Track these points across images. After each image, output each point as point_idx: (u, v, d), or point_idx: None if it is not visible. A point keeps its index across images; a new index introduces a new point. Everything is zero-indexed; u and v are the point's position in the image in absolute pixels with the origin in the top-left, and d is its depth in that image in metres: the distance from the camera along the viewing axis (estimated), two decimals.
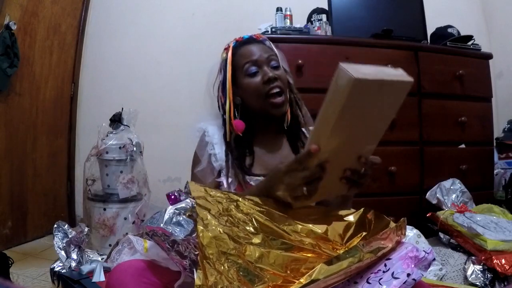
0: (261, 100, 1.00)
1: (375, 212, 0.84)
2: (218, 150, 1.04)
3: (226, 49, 1.08)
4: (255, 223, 0.73)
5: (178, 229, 0.72)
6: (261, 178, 0.99)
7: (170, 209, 0.76)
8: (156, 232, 0.73)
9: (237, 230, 0.70)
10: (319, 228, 0.77)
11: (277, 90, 1.00)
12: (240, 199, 0.77)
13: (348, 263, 0.68)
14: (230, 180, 1.01)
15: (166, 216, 0.75)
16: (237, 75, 1.03)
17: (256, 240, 0.70)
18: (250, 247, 0.69)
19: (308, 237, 0.75)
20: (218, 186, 1.03)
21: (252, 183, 1.00)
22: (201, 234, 0.66)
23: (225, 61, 1.06)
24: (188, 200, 0.79)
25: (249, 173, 1.02)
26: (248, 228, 0.72)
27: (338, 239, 0.78)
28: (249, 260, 0.67)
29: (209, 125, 1.08)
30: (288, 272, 0.69)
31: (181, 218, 0.74)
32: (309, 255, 0.72)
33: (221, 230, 0.69)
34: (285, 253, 0.70)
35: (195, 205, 0.72)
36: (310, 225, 0.77)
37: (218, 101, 1.09)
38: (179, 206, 0.77)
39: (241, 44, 1.06)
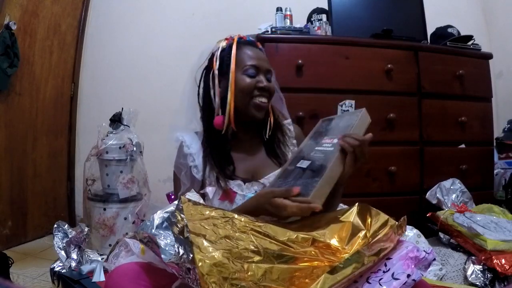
0: (246, 98, 1.02)
1: (370, 207, 0.84)
2: (198, 161, 1.04)
3: (228, 39, 1.08)
4: (254, 240, 0.72)
5: (166, 242, 0.71)
6: (242, 183, 1.01)
7: (160, 214, 0.76)
8: (151, 239, 0.73)
9: (237, 251, 0.69)
10: (318, 235, 0.77)
11: (264, 99, 1.03)
12: (236, 215, 0.76)
13: (352, 269, 0.67)
14: (213, 189, 1.00)
15: (157, 221, 0.74)
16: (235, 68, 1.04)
17: (257, 257, 0.69)
18: (252, 266, 0.67)
19: (309, 246, 0.74)
20: (203, 197, 1.01)
21: (235, 188, 1.01)
22: (200, 264, 0.64)
23: (225, 50, 1.05)
24: (176, 202, 0.78)
25: (231, 177, 1.02)
26: (247, 246, 0.70)
27: (338, 242, 0.77)
28: (252, 280, 0.66)
29: (185, 134, 1.08)
30: (293, 286, 0.68)
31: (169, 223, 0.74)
32: (312, 264, 0.71)
33: (219, 255, 0.67)
34: (288, 266, 0.69)
35: (187, 224, 0.70)
36: (310, 233, 0.77)
37: (199, 89, 1.09)
38: (167, 210, 0.77)
39: (246, 43, 1.08)
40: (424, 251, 0.75)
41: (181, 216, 0.73)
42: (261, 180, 1.03)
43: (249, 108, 1.02)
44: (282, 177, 0.94)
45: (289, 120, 1.17)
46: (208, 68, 1.08)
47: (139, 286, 0.76)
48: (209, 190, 1.01)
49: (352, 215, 0.81)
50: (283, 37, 1.99)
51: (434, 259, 0.77)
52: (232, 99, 1.00)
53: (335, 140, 0.90)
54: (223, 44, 1.07)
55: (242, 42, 1.08)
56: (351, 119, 0.97)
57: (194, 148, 1.05)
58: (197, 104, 1.10)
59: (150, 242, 0.74)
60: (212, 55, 1.08)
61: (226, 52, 1.05)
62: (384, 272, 0.72)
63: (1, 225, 2.09)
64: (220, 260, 0.66)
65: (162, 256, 0.68)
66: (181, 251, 0.68)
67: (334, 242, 0.76)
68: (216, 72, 1.04)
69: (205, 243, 0.68)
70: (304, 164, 0.91)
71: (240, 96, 1.01)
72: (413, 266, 0.72)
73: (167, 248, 0.69)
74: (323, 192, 0.80)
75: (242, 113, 1.03)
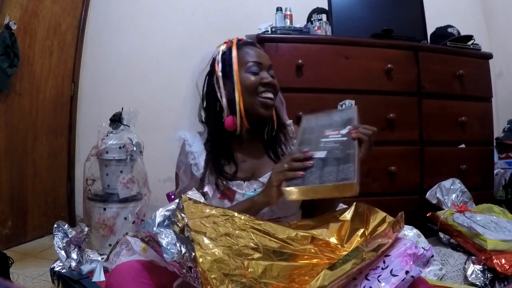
0: (252, 96, 1.02)
1: (368, 205, 0.84)
2: (198, 160, 1.04)
3: (227, 43, 1.09)
4: (254, 238, 0.72)
5: (167, 240, 0.70)
6: (242, 182, 1.01)
7: (161, 212, 0.76)
8: (153, 238, 0.73)
9: (237, 249, 0.70)
10: (317, 233, 0.77)
11: (270, 95, 1.03)
12: (236, 214, 0.77)
13: (352, 265, 0.68)
14: (213, 188, 1.01)
15: (158, 219, 0.74)
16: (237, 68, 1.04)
17: (257, 254, 0.70)
18: (252, 263, 0.68)
19: (308, 244, 0.75)
20: (203, 196, 1.01)
21: (234, 187, 1.01)
22: (200, 260, 0.65)
23: (225, 53, 1.06)
24: (177, 201, 0.78)
25: (232, 178, 1.02)
26: (247, 244, 0.71)
27: (337, 241, 0.78)
28: (252, 277, 0.66)
29: (188, 133, 1.09)
30: (293, 283, 0.68)
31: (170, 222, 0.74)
32: (311, 261, 0.72)
33: (220, 251, 0.68)
34: (288, 263, 0.70)
35: (188, 223, 0.71)
36: (309, 231, 0.77)
37: (202, 94, 1.09)
38: (169, 208, 0.77)
39: (245, 43, 1.09)
40: (423, 248, 0.75)
41: (181, 215, 0.73)
42: (261, 179, 1.04)
43: (255, 107, 1.02)
44: None
45: (290, 121, 1.19)
46: (211, 73, 1.08)
47: (140, 284, 0.76)
48: (209, 189, 1.01)
49: (350, 214, 0.82)
50: (283, 37, 1.99)
51: (433, 256, 0.78)
52: (241, 99, 1.01)
53: (344, 131, 0.93)
54: (223, 47, 1.08)
55: (241, 43, 1.09)
56: (347, 114, 1.00)
57: (196, 147, 1.06)
58: (199, 107, 1.10)
59: (152, 241, 0.75)
60: (214, 60, 1.08)
61: (227, 54, 1.06)
62: (382, 269, 0.72)
63: (1, 225, 2.09)
64: (221, 257, 0.67)
65: (164, 255, 0.68)
66: (183, 250, 0.68)
67: (333, 240, 0.77)
68: (220, 74, 1.05)
69: (206, 240, 0.69)
70: (320, 154, 0.90)
71: (246, 94, 1.02)
72: (411, 263, 0.72)
73: (168, 247, 0.69)
74: (359, 176, 0.81)
75: (249, 112, 1.03)
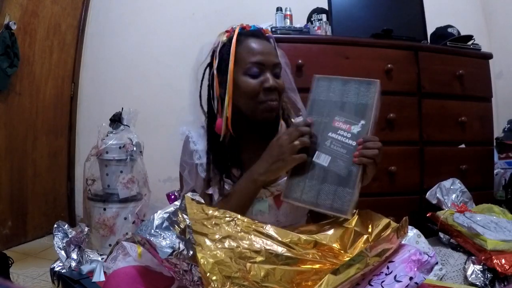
0: (252, 102, 0.92)
1: (372, 212, 0.84)
2: (204, 159, 0.95)
3: (229, 32, 0.96)
4: (256, 240, 0.72)
5: (165, 243, 0.70)
6: None
7: (160, 214, 0.76)
8: (148, 241, 0.73)
9: (239, 251, 0.69)
10: (321, 238, 0.77)
11: (273, 102, 0.93)
12: (239, 216, 0.76)
13: (356, 270, 0.67)
14: (218, 192, 0.93)
15: (156, 222, 0.74)
16: (235, 67, 0.92)
17: (259, 258, 0.69)
18: (254, 266, 0.67)
19: (311, 248, 0.74)
20: (210, 198, 0.95)
21: None
22: (202, 261, 0.65)
23: (225, 45, 0.94)
24: (176, 203, 0.78)
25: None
26: (250, 247, 0.70)
27: (341, 247, 0.77)
28: (254, 280, 0.66)
29: (192, 129, 0.99)
30: (295, 286, 0.67)
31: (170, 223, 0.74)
32: (314, 266, 0.71)
33: (222, 253, 0.67)
34: (290, 268, 0.69)
35: (190, 225, 0.70)
36: (312, 236, 0.77)
37: (200, 88, 0.99)
38: (168, 210, 0.77)
39: (247, 34, 0.95)
40: (427, 254, 0.74)
41: (183, 216, 0.73)
42: (270, 188, 0.95)
43: (258, 113, 0.92)
44: (301, 172, 0.88)
45: (299, 118, 1.05)
46: (210, 65, 0.97)
47: None
48: (214, 191, 0.95)
49: (353, 221, 0.81)
50: (283, 37, 1.99)
51: (437, 263, 0.77)
52: (230, 103, 0.91)
53: (355, 129, 0.85)
54: (223, 38, 0.95)
55: (244, 33, 0.95)
56: (364, 97, 0.88)
57: (201, 144, 0.97)
58: (201, 104, 1.00)
59: (147, 244, 0.74)
60: (214, 51, 0.97)
61: (226, 47, 0.94)
62: (386, 274, 0.72)
63: (1, 225, 2.09)
64: (222, 259, 0.66)
65: (159, 253, 0.68)
66: (182, 247, 0.67)
67: (336, 246, 0.76)
68: (215, 71, 0.94)
69: (208, 242, 0.69)
70: (323, 159, 0.85)
71: (244, 100, 0.91)
72: (415, 269, 0.71)
73: (163, 250, 0.69)
74: (356, 200, 0.83)
75: (250, 118, 0.93)
